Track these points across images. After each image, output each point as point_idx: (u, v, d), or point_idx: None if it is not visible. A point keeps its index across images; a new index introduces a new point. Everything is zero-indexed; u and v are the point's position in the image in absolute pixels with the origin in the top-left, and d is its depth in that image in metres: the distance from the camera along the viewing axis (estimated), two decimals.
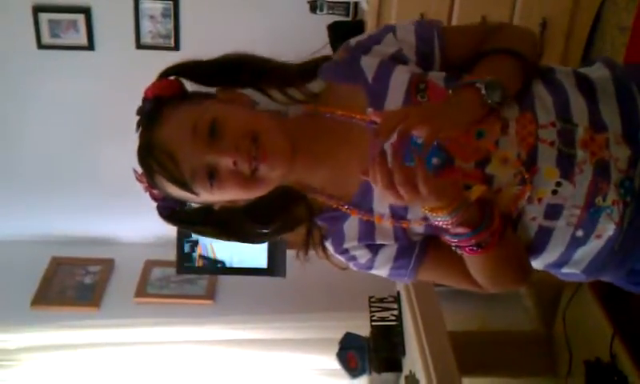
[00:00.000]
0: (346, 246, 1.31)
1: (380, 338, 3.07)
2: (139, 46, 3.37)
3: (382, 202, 1.23)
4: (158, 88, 1.26)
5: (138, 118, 1.27)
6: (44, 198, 3.82)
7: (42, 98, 3.52)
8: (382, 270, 1.34)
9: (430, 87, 1.21)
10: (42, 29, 3.32)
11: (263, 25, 3.33)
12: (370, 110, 1.14)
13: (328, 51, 1.34)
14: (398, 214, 1.24)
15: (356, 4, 3.13)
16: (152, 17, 3.30)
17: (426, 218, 1.19)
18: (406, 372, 2.94)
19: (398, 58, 1.27)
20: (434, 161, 1.14)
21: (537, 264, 1.31)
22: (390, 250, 1.30)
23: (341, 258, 1.35)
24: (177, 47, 3.38)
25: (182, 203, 1.28)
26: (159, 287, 3.76)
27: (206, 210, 1.29)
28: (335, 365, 3.21)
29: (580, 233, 1.20)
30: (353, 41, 1.32)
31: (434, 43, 1.28)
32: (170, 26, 3.33)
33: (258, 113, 1.28)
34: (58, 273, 3.84)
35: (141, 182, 1.27)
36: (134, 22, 3.32)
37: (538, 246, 1.24)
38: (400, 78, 1.22)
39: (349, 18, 3.16)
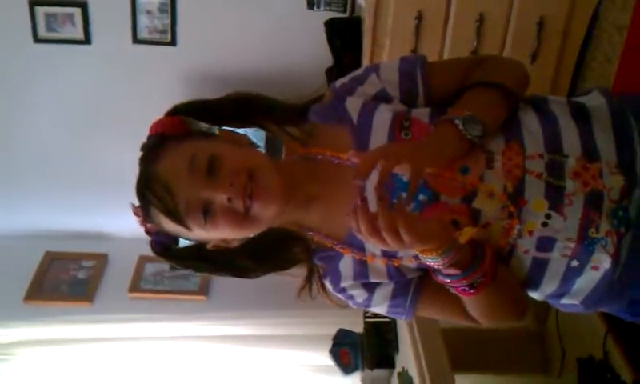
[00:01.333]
0: (342, 285, 1.33)
1: (373, 334, 3.09)
2: (136, 40, 3.35)
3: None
4: (163, 125, 1.28)
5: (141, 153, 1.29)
6: (37, 193, 3.81)
7: (37, 91, 3.50)
8: (379, 308, 1.35)
9: (414, 124, 1.22)
10: (39, 22, 3.29)
11: (260, 21, 3.33)
12: (350, 152, 1.16)
13: (324, 90, 1.37)
14: (388, 253, 1.25)
15: (353, 0, 3.13)
16: (149, 12, 3.29)
17: (417, 257, 1.20)
18: (398, 369, 2.95)
19: (381, 97, 1.30)
20: (421, 197, 1.13)
21: (536, 296, 1.32)
22: (386, 289, 1.31)
23: (339, 296, 1.36)
24: (173, 42, 3.37)
25: (176, 240, 1.29)
26: (153, 282, 3.75)
27: (199, 246, 1.30)
28: (328, 361, 3.23)
29: (575, 263, 1.20)
30: (338, 83, 1.35)
31: (416, 79, 1.30)
32: (167, 21, 3.31)
33: (256, 152, 1.30)
34: (51, 267, 3.83)
35: (137, 215, 1.28)
36: (131, 17, 3.30)
37: (534, 278, 1.24)
38: (383, 116, 1.25)
39: (346, 15, 3.16)
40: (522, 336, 3.19)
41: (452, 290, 1.19)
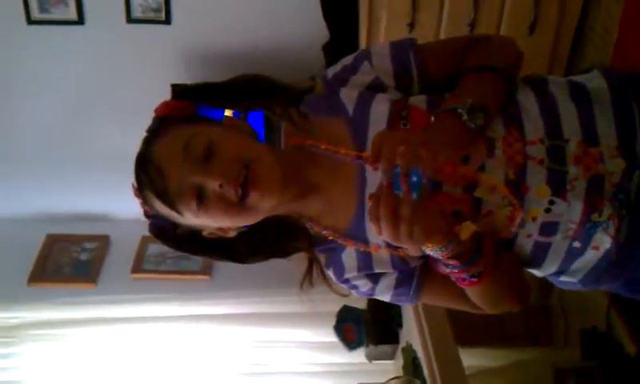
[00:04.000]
0: (346, 276, 1.32)
1: (377, 310, 3.08)
2: (130, 20, 3.31)
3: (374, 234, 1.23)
4: (168, 108, 1.26)
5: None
6: (37, 176, 3.80)
7: (33, 74, 3.48)
8: (383, 297, 1.35)
9: (412, 112, 1.20)
10: (31, 4, 3.25)
11: None
12: (365, 154, 1.14)
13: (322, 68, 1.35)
14: (393, 244, 1.23)
15: None
16: None
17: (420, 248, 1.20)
18: (402, 344, 2.95)
19: (376, 86, 1.27)
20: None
21: (537, 273, 1.32)
22: (390, 278, 1.30)
23: (343, 286, 1.36)
24: (168, 21, 3.32)
25: (175, 225, 1.27)
26: (156, 263, 3.75)
27: (197, 232, 1.28)
28: (332, 338, 3.23)
29: (577, 244, 1.19)
30: (330, 73, 1.32)
31: (411, 66, 1.27)
32: None
33: (256, 142, 1.27)
34: (53, 250, 3.83)
35: (137, 197, 1.26)
36: None
37: (535, 260, 1.24)
38: (380, 107, 1.22)
39: None
40: (525, 309, 3.16)
41: (453, 279, 1.20)
